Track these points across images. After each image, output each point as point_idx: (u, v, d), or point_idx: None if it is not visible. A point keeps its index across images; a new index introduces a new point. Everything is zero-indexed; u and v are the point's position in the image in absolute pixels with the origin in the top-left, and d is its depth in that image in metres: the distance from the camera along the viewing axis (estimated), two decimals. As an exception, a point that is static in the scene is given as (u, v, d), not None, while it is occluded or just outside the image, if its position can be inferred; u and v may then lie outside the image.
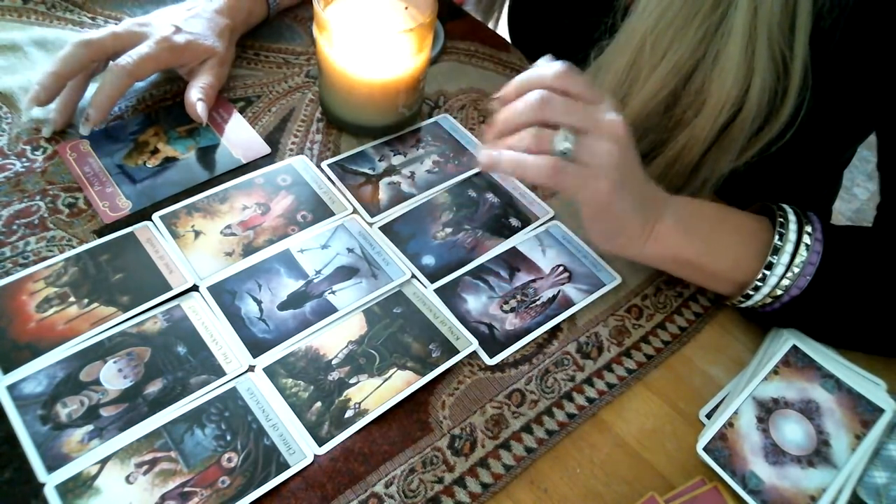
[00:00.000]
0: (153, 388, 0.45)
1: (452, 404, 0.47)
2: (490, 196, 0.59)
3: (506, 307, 0.52)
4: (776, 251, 0.48)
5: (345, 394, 0.46)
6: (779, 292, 0.48)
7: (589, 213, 0.47)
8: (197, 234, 0.53)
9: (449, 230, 0.56)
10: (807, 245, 0.48)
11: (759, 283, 0.48)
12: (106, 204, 0.54)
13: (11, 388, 0.44)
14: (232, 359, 0.47)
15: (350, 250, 0.54)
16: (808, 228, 0.48)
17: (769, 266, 0.48)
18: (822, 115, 0.51)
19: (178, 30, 0.59)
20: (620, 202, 0.45)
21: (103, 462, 0.42)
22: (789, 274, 0.48)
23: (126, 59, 0.56)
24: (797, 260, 0.47)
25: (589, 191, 0.44)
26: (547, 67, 0.45)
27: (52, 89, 0.56)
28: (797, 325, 0.51)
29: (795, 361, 0.49)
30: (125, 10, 0.70)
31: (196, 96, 0.58)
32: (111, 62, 0.56)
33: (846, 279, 0.48)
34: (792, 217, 0.49)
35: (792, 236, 0.48)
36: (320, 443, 0.44)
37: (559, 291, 0.53)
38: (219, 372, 0.46)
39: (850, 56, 0.51)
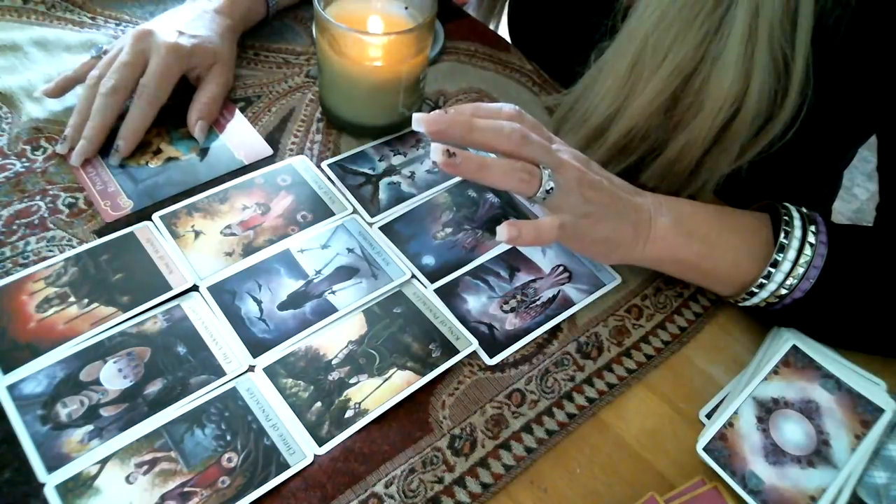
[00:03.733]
0: (153, 388, 0.45)
1: (452, 404, 0.47)
2: (490, 196, 0.59)
3: (506, 307, 0.52)
4: (782, 249, 0.48)
5: (345, 394, 0.46)
6: (783, 292, 0.48)
7: (576, 248, 0.50)
8: (197, 234, 0.53)
9: (449, 230, 0.56)
10: (811, 244, 0.48)
11: (763, 281, 0.48)
12: (107, 203, 0.54)
13: (11, 388, 0.44)
14: (232, 359, 0.47)
15: (350, 250, 0.54)
16: (813, 228, 0.48)
17: (774, 264, 0.48)
18: (823, 115, 0.51)
19: (181, 34, 0.59)
20: (599, 230, 0.47)
21: (103, 462, 0.42)
22: (794, 273, 0.48)
23: (145, 89, 0.57)
24: (801, 260, 0.47)
25: (568, 226, 0.46)
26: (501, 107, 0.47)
27: (100, 141, 0.56)
28: (799, 325, 0.51)
29: (795, 361, 0.49)
30: (125, 10, 0.70)
31: (196, 115, 0.59)
32: (135, 97, 0.57)
33: (849, 281, 0.48)
34: (796, 215, 0.49)
35: (797, 233, 0.48)
36: (320, 443, 0.44)
37: (559, 291, 0.53)
38: (219, 372, 0.46)
39: (852, 55, 0.51)
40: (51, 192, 0.54)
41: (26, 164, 0.56)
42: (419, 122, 0.42)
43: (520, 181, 0.43)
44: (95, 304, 0.48)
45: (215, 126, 0.61)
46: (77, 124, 0.56)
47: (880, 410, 0.46)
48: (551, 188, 0.44)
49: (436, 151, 0.42)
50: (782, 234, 0.48)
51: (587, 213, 0.46)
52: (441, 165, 0.42)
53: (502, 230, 0.43)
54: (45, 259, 0.50)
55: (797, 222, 0.49)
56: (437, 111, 0.43)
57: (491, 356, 0.49)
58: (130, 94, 0.57)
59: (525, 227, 0.44)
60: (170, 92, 0.58)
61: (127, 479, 0.41)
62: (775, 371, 0.48)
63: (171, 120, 0.60)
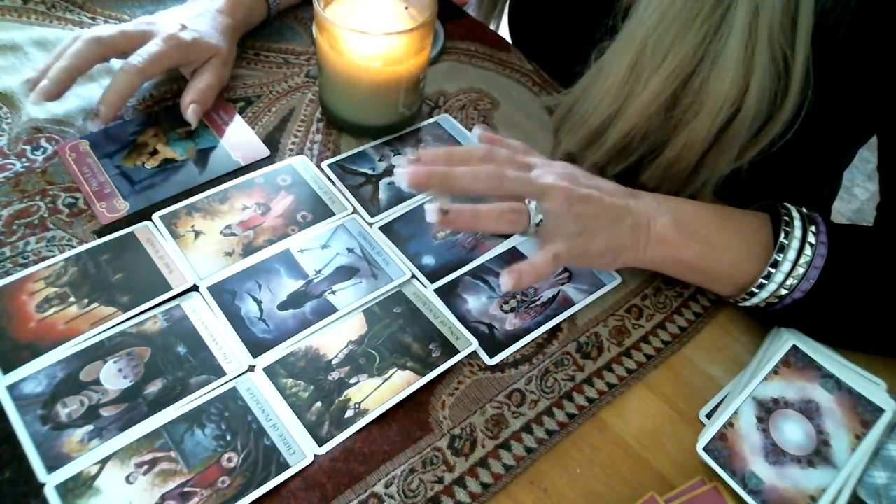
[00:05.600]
0: (153, 388, 0.45)
1: (452, 404, 0.47)
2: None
3: (506, 307, 0.52)
4: (782, 249, 0.48)
5: (345, 394, 0.46)
6: (783, 292, 0.48)
7: (580, 265, 0.51)
8: (197, 234, 0.53)
9: (449, 230, 0.56)
10: (811, 245, 0.48)
11: (763, 282, 0.48)
12: (103, 205, 0.54)
13: (11, 388, 0.44)
14: (232, 359, 0.47)
15: (350, 250, 0.54)
16: (813, 228, 0.48)
17: (775, 264, 0.48)
18: (823, 116, 0.51)
19: (183, 27, 0.59)
20: (596, 244, 0.47)
21: (103, 462, 0.42)
22: (794, 273, 0.48)
23: (136, 58, 0.56)
24: (801, 260, 0.48)
25: (563, 253, 0.46)
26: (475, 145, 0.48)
27: (63, 84, 0.55)
28: (799, 325, 0.51)
29: (795, 361, 0.49)
30: (125, 11, 0.70)
31: (190, 98, 0.59)
32: (123, 62, 0.56)
33: (850, 281, 0.48)
34: (796, 215, 0.49)
35: (797, 233, 0.48)
36: (320, 443, 0.44)
37: (559, 291, 0.53)
38: (219, 372, 0.46)
39: (852, 55, 0.51)
40: (51, 192, 0.54)
41: (26, 164, 0.56)
42: (399, 177, 0.44)
43: (510, 223, 0.45)
44: (95, 304, 0.48)
45: (212, 127, 0.61)
46: (49, 65, 0.56)
47: (880, 410, 0.46)
48: (540, 220, 0.45)
49: (430, 213, 0.43)
50: (782, 235, 0.48)
51: (581, 232, 0.46)
52: (438, 224, 0.44)
53: (504, 281, 0.44)
54: (45, 259, 0.50)
55: (797, 222, 0.49)
56: (412, 164, 0.45)
57: (491, 356, 0.49)
58: (115, 56, 0.57)
59: (523, 271, 0.44)
60: (158, 73, 0.58)
61: (127, 479, 0.41)
62: (775, 371, 0.48)
63: (167, 121, 0.60)
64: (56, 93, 0.55)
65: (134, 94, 0.57)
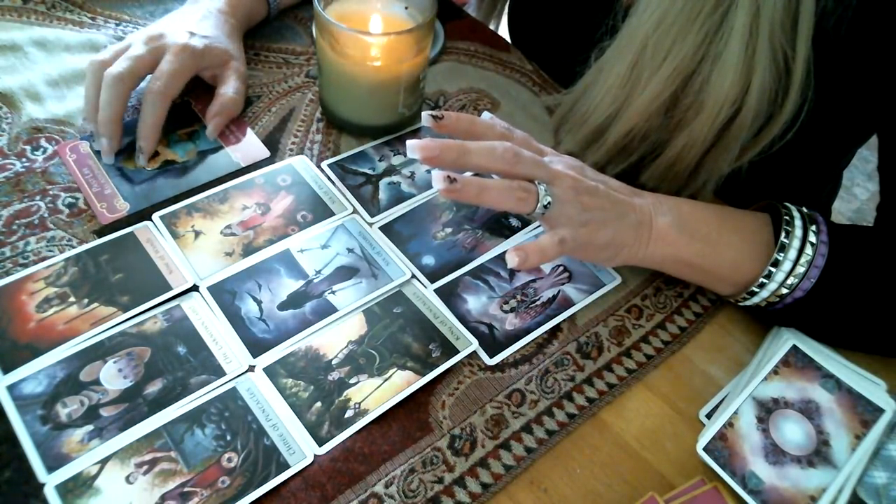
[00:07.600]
0: (153, 388, 0.45)
1: (452, 404, 0.47)
2: (490, 196, 0.59)
3: (506, 307, 0.52)
4: (783, 248, 0.48)
5: (345, 394, 0.46)
6: (784, 291, 0.48)
7: (581, 257, 0.51)
8: (197, 234, 0.53)
9: (449, 230, 0.56)
10: (812, 244, 0.48)
11: (764, 281, 0.49)
12: (103, 205, 0.54)
13: (11, 388, 0.44)
14: (232, 359, 0.47)
15: (350, 250, 0.54)
16: (814, 228, 0.48)
17: (775, 263, 0.48)
18: (824, 116, 0.51)
19: (192, 34, 0.59)
20: (600, 236, 0.47)
21: (103, 462, 0.42)
22: (795, 273, 0.48)
23: (156, 82, 0.56)
24: (802, 259, 0.48)
25: (569, 240, 0.46)
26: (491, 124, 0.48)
27: (119, 132, 0.56)
28: (800, 325, 0.51)
29: (795, 361, 0.49)
30: (125, 10, 0.70)
31: (214, 111, 0.59)
32: (145, 92, 0.56)
33: (850, 280, 0.48)
34: (797, 215, 0.49)
35: (798, 232, 0.48)
36: (320, 443, 0.44)
37: (559, 291, 0.53)
38: (219, 372, 0.46)
39: (853, 55, 0.51)
40: (51, 192, 0.54)
41: (26, 164, 0.56)
42: (413, 148, 0.43)
43: (518, 200, 0.44)
44: (95, 304, 0.48)
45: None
46: (91, 115, 0.56)
47: (880, 410, 0.46)
48: (548, 202, 0.45)
49: (437, 179, 0.43)
50: (783, 234, 0.48)
51: (586, 222, 0.46)
52: (443, 192, 0.43)
53: (510, 257, 0.44)
54: (45, 259, 0.50)
55: (798, 222, 0.49)
56: (433, 120, 0.45)
57: (491, 356, 0.49)
58: (135, 85, 0.57)
59: (530, 250, 0.44)
60: (181, 89, 0.58)
61: (127, 479, 0.41)
62: (775, 371, 0.48)
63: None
64: (119, 143, 0.57)
65: (165, 119, 0.57)
